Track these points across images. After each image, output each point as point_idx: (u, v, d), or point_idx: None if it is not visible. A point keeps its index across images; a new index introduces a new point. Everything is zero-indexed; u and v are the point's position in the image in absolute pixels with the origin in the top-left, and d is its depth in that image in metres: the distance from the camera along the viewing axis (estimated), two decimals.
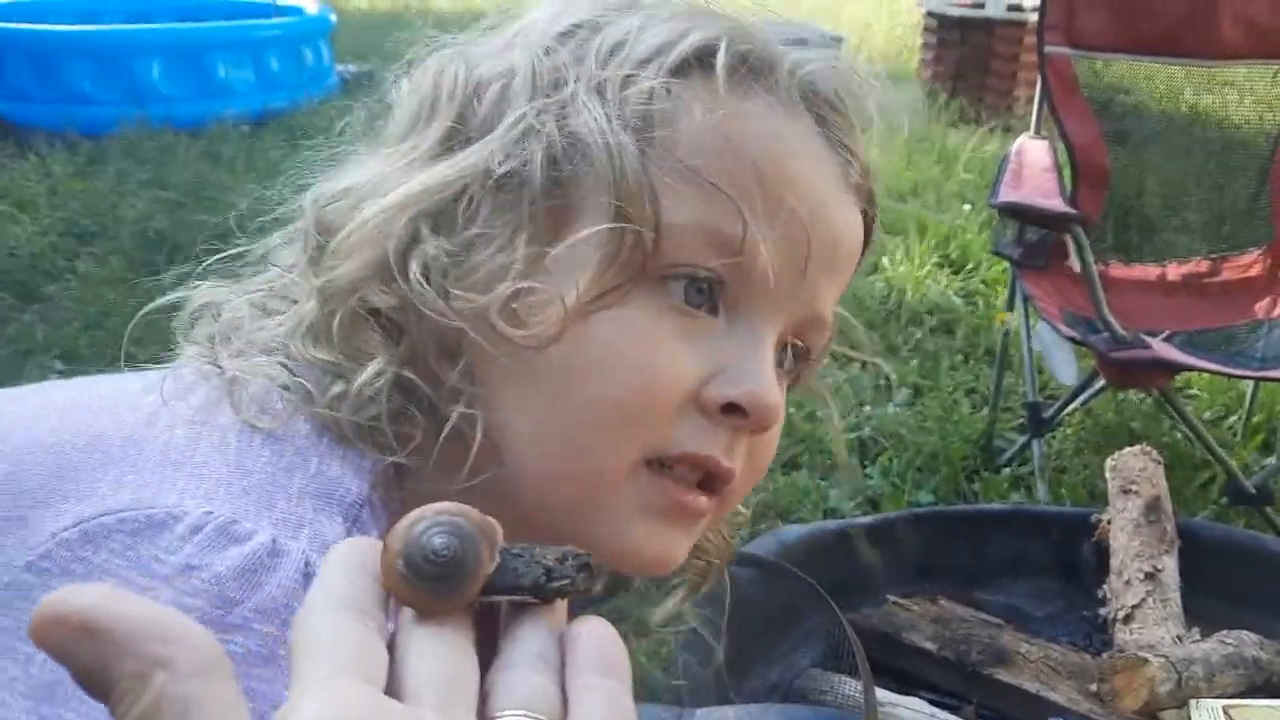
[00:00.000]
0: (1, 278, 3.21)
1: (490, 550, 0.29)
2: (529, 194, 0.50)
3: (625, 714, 0.27)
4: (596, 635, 0.29)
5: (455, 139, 0.52)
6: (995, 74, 5.54)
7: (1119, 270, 2.44)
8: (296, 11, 5.57)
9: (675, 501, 0.51)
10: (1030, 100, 2.50)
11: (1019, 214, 2.14)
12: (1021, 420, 2.51)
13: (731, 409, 0.50)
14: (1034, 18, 5.16)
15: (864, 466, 2.50)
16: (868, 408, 2.71)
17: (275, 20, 5.39)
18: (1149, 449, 1.63)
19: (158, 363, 0.53)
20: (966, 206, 4.15)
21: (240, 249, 0.58)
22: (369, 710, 0.24)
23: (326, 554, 0.29)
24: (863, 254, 0.59)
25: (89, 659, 0.24)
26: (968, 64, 5.61)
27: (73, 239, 3.53)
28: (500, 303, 0.48)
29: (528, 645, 0.29)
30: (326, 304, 0.50)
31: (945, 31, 5.70)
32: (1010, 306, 2.42)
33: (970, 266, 3.61)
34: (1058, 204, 2.12)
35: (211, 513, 0.43)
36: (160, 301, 0.56)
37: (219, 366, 0.50)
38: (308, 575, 0.42)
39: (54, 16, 5.20)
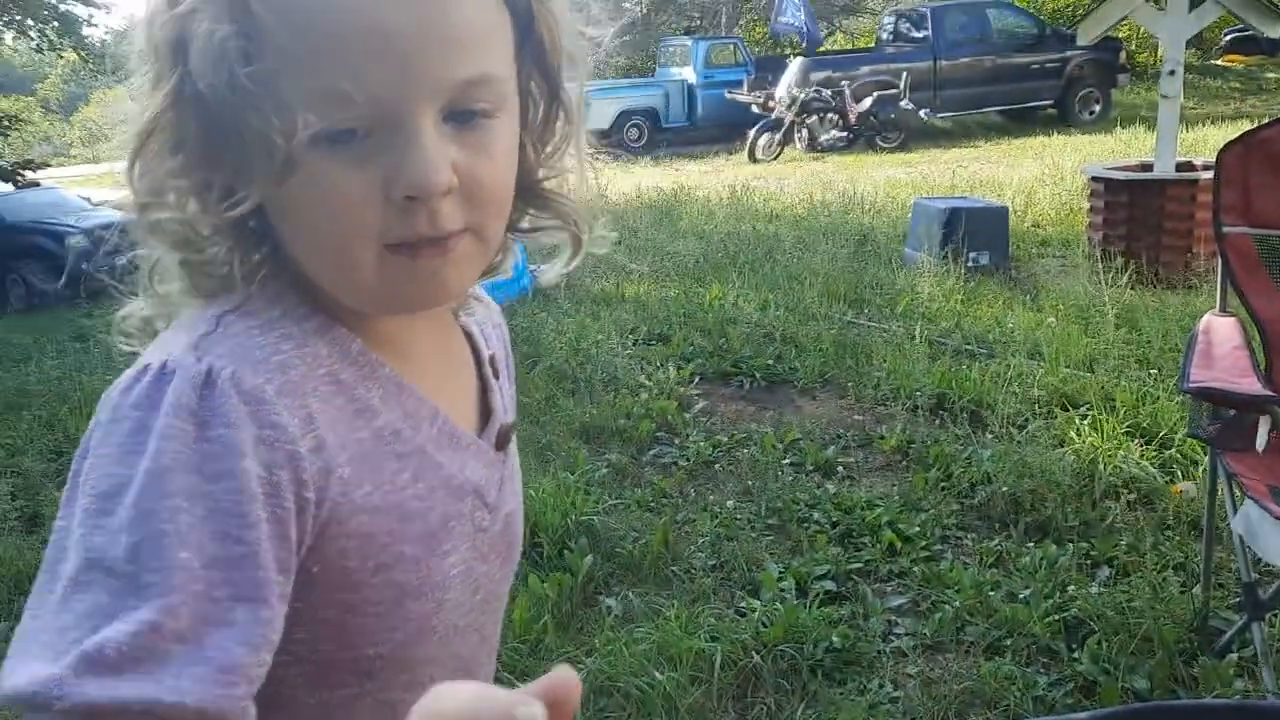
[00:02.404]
0: None
1: None
2: (196, 129, 0.63)
3: None
4: None
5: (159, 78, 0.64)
6: (1169, 233, 5.49)
7: None
8: None
9: (418, 265, 0.65)
10: (1208, 257, 2.50)
11: (1211, 398, 2.14)
12: (1238, 597, 2.43)
13: (412, 198, 0.63)
14: (1205, 175, 5.13)
15: (1071, 650, 2.46)
16: (1071, 588, 2.68)
17: None
18: None
19: None
20: (1153, 371, 4.08)
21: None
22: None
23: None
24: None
25: None
26: (1139, 224, 5.59)
27: None
28: (203, 204, 0.64)
29: None
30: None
31: (1112, 194, 5.71)
32: (1212, 485, 2.39)
33: (1164, 433, 3.53)
34: (1252, 383, 2.12)
35: (155, 361, 0.63)
36: None
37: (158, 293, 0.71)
38: (165, 373, 0.61)
39: None
